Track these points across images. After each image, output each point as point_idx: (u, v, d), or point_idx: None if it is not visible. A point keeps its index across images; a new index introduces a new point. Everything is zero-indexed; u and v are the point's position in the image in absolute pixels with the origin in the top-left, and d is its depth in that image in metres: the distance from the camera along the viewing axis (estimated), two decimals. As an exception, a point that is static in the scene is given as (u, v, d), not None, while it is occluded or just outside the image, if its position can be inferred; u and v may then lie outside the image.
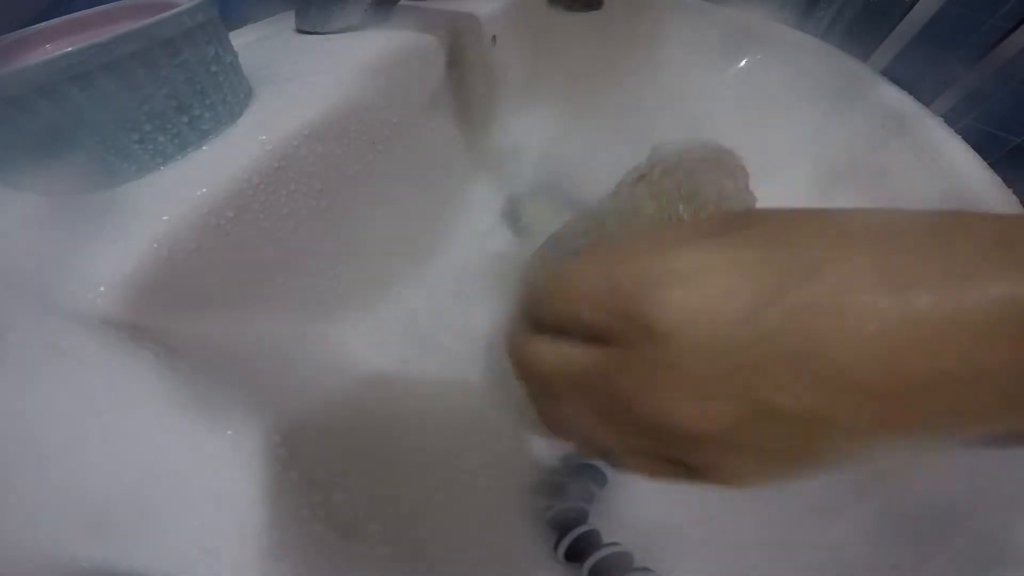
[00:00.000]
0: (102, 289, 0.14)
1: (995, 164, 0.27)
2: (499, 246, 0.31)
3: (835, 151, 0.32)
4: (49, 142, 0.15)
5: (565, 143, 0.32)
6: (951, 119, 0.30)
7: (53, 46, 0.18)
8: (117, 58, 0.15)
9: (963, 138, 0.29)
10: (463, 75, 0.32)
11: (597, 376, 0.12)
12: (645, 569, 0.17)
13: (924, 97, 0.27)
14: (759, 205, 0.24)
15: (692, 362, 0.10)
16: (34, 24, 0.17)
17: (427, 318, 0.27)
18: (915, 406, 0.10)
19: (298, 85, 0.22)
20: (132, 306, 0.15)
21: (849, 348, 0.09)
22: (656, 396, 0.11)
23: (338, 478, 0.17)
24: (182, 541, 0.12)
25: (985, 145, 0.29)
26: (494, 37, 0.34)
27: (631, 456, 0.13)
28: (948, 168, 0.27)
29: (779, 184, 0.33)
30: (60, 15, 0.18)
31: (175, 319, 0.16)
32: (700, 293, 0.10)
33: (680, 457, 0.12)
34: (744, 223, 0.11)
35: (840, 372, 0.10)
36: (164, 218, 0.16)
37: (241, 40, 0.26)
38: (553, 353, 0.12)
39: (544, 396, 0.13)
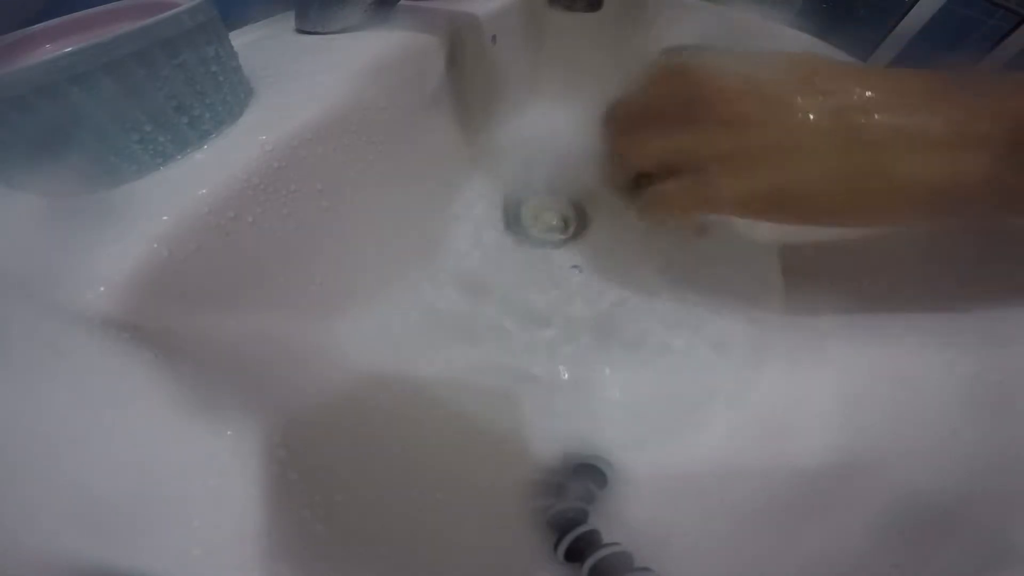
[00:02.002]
0: (102, 289, 0.14)
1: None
2: (499, 245, 0.31)
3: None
4: (49, 142, 0.15)
5: (565, 143, 0.32)
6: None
7: (53, 46, 0.18)
8: (117, 58, 0.15)
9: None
10: (463, 75, 0.32)
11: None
12: (645, 569, 0.17)
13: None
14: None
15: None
16: (34, 24, 0.17)
17: (427, 318, 0.27)
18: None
19: (298, 85, 0.22)
20: (132, 306, 0.15)
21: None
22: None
23: (338, 478, 0.17)
24: (182, 541, 0.12)
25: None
26: (494, 37, 0.34)
27: (669, 175, 0.20)
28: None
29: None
30: (60, 15, 0.18)
31: (175, 319, 0.16)
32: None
33: (713, 150, 0.19)
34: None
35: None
36: (164, 218, 0.16)
37: (241, 40, 0.26)
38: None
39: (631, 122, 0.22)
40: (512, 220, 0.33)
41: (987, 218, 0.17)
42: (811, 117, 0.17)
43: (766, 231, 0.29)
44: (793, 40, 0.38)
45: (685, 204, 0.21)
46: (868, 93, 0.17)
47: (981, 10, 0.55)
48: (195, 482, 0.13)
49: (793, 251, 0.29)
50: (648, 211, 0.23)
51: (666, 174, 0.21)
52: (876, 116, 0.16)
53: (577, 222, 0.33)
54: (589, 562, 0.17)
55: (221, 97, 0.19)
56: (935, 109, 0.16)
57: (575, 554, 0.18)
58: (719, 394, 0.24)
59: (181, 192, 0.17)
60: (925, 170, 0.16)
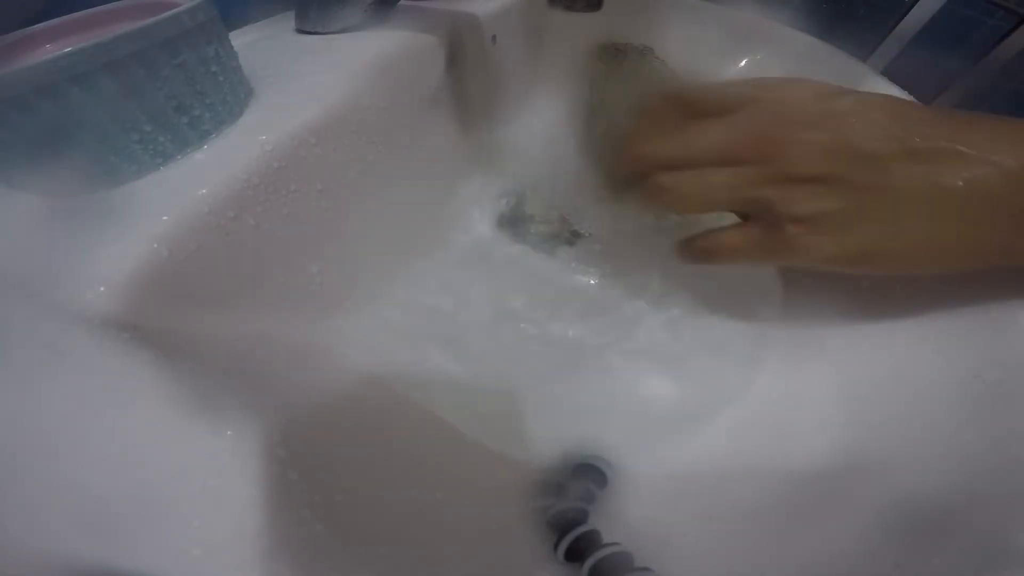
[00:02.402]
0: (102, 289, 0.14)
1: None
2: (499, 245, 0.31)
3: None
4: (49, 142, 0.15)
5: (565, 142, 0.32)
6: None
7: (53, 46, 0.18)
8: (117, 58, 0.15)
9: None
10: (463, 75, 0.32)
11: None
12: (645, 569, 0.17)
13: (924, 97, 0.27)
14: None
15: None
16: (34, 24, 0.17)
17: (428, 317, 0.27)
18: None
19: (298, 85, 0.22)
20: (132, 306, 0.15)
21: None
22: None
23: (338, 478, 0.17)
24: (182, 541, 0.12)
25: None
26: (494, 37, 0.34)
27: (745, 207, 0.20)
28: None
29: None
30: (60, 15, 0.18)
31: (175, 319, 0.16)
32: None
33: (786, 206, 0.18)
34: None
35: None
36: (164, 218, 0.16)
37: (241, 40, 0.26)
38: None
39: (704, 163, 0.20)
40: (512, 219, 0.33)
41: None
42: (906, 183, 0.17)
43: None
44: (793, 40, 0.38)
45: (750, 256, 0.20)
46: (962, 152, 0.16)
47: (981, 10, 0.55)
48: (195, 482, 0.13)
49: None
50: (697, 255, 0.22)
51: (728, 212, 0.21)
52: (969, 184, 0.16)
53: (577, 221, 0.33)
54: (589, 562, 0.17)
55: (221, 97, 0.19)
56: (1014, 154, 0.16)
57: (575, 554, 0.18)
58: (719, 394, 0.24)
59: (181, 192, 0.17)
60: (1007, 237, 0.16)
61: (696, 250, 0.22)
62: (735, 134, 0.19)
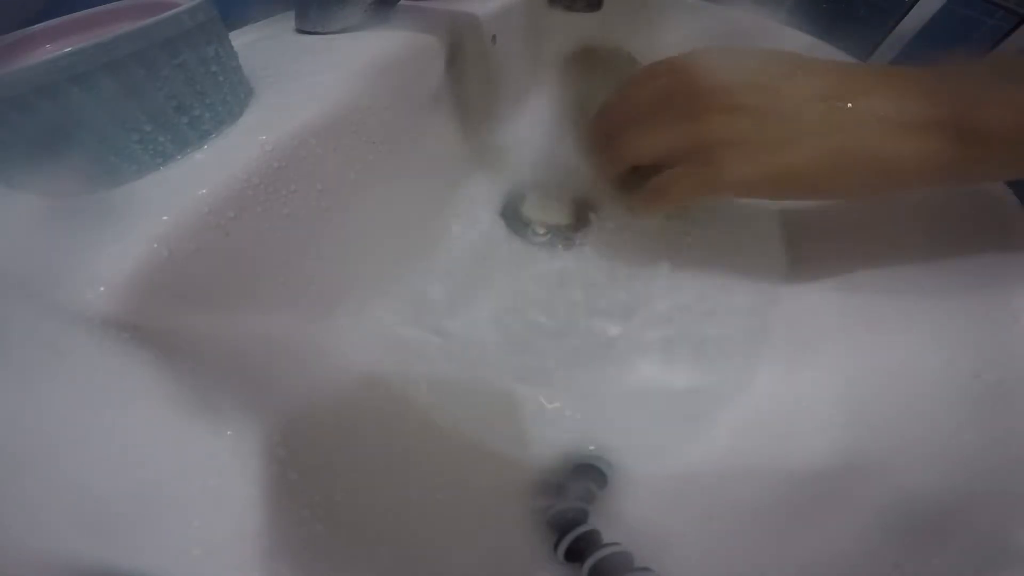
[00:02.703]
0: (102, 289, 0.14)
1: (995, 164, 0.27)
2: (499, 244, 0.31)
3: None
4: (49, 142, 0.15)
5: (565, 142, 0.32)
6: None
7: (53, 46, 0.18)
8: (117, 58, 0.15)
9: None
10: (463, 75, 0.32)
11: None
12: (645, 569, 0.17)
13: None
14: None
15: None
16: (34, 24, 0.17)
17: (428, 317, 0.27)
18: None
19: (298, 85, 0.22)
20: (132, 306, 0.15)
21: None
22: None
23: (338, 478, 0.17)
24: (182, 541, 0.12)
25: (985, 145, 0.28)
26: (494, 37, 0.34)
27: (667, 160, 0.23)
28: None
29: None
30: (60, 15, 0.18)
31: (175, 319, 0.16)
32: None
33: (707, 135, 0.21)
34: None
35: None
36: (164, 218, 0.16)
37: (241, 40, 0.26)
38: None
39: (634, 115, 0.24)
40: (512, 219, 0.33)
41: (941, 187, 0.21)
42: (803, 105, 0.20)
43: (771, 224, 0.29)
44: (793, 40, 0.38)
45: (691, 190, 0.23)
46: (846, 82, 0.20)
47: (981, 10, 0.55)
48: (195, 482, 0.13)
49: (794, 251, 0.29)
50: (652, 200, 0.25)
51: (665, 164, 0.23)
52: (854, 102, 0.19)
53: (578, 220, 0.33)
54: (589, 562, 0.17)
55: (221, 97, 0.19)
56: (898, 97, 0.19)
57: (575, 554, 0.18)
58: (719, 394, 0.24)
59: (181, 192, 0.17)
60: (895, 150, 0.19)
61: (647, 198, 0.25)
62: (665, 84, 0.23)
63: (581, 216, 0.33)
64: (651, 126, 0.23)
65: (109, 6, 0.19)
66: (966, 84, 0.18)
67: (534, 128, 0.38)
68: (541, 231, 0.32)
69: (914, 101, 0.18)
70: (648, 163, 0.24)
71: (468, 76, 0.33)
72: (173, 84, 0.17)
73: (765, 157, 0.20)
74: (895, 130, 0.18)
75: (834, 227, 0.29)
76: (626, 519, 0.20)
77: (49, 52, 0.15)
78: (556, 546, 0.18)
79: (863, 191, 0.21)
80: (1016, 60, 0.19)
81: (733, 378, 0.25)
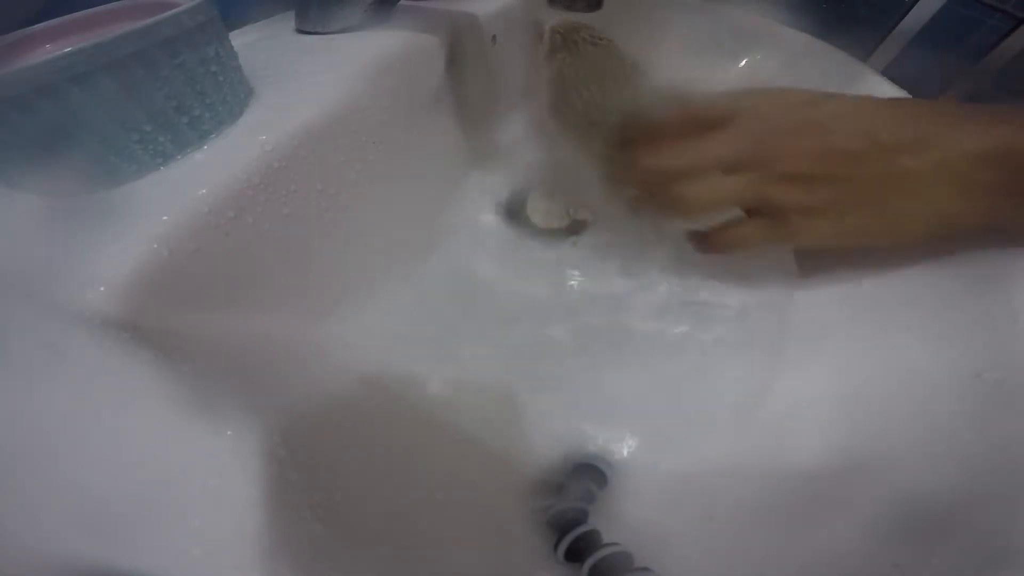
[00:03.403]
0: (102, 289, 0.14)
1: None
2: (499, 243, 0.31)
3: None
4: (49, 142, 0.15)
5: (565, 145, 0.32)
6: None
7: (53, 46, 0.18)
8: (117, 58, 0.15)
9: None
10: (463, 75, 0.32)
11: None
12: (645, 569, 0.17)
13: (924, 97, 0.27)
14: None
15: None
16: (34, 24, 0.17)
17: (428, 316, 0.27)
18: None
19: (298, 85, 0.22)
20: (132, 306, 0.15)
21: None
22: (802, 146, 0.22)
23: (338, 478, 0.17)
24: (182, 541, 0.12)
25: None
26: (494, 37, 0.34)
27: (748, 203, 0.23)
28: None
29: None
30: (60, 15, 0.18)
31: (175, 319, 0.16)
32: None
33: (786, 199, 0.22)
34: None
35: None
36: (164, 218, 0.16)
37: (241, 40, 0.26)
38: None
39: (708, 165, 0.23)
40: (513, 218, 0.33)
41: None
42: (879, 171, 0.21)
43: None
44: (793, 40, 0.38)
45: (760, 243, 0.24)
46: (916, 134, 0.20)
47: (981, 11, 0.55)
48: (195, 482, 0.13)
49: (795, 253, 0.29)
50: (716, 246, 0.26)
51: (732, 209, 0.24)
52: (921, 160, 0.20)
53: (578, 220, 0.33)
54: (589, 562, 0.17)
55: (221, 97, 0.19)
56: (963, 151, 0.20)
57: (575, 554, 0.18)
58: (719, 394, 0.24)
59: (181, 192, 0.17)
60: (959, 208, 0.20)
61: (716, 243, 0.26)
62: (736, 143, 0.23)
63: (581, 216, 0.33)
64: (720, 181, 0.23)
65: (109, 6, 0.19)
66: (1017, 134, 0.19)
67: (534, 127, 0.38)
68: (541, 231, 0.32)
69: (976, 158, 0.19)
70: (707, 214, 0.25)
71: (468, 76, 0.33)
72: (173, 84, 0.17)
73: (839, 223, 0.22)
74: (959, 188, 0.20)
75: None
76: (626, 519, 0.20)
77: (49, 52, 0.15)
78: (556, 546, 0.18)
79: (923, 239, 0.22)
80: None
81: (733, 378, 0.25)
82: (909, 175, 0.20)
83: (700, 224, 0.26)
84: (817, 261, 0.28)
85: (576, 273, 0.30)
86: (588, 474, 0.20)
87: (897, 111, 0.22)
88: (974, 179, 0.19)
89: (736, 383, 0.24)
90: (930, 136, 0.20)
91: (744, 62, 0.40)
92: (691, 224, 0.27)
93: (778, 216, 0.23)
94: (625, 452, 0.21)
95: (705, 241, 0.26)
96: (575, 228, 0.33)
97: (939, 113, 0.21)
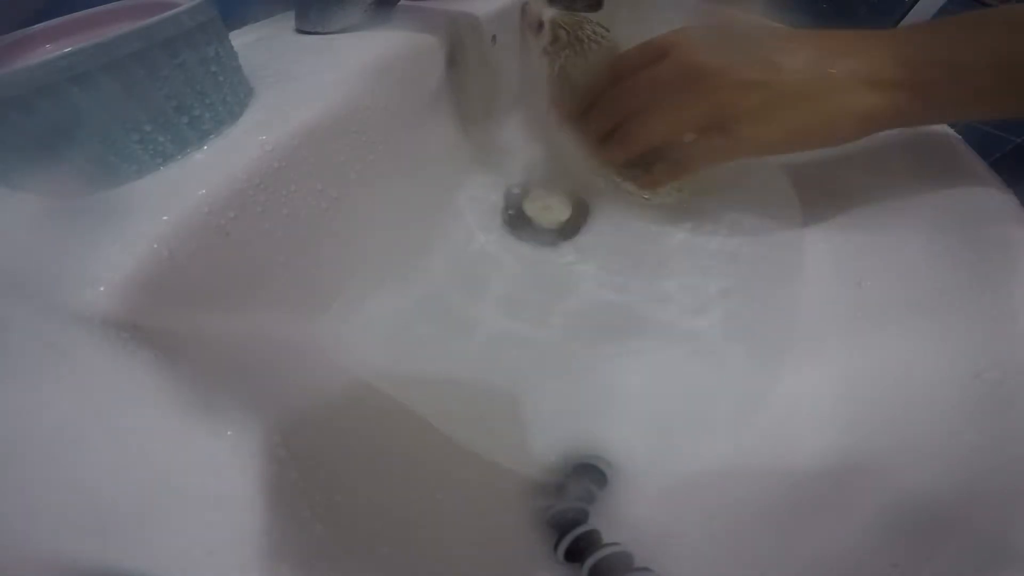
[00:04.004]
0: (102, 289, 0.14)
1: (995, 164, 0.27)
2: (500, 243, 0.31)
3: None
4: (49, 142, 0.15)
5: (564, 141, 0.32)
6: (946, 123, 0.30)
7: (53, 46, 0.18)
8: (117, 58, 0.15)
9: (963, 138, 0.29)
10: (463, 75, 0.32)
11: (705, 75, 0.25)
12: (645, 569, 0.17)
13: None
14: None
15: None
16: (34, 24, 0.17)
17: (428, 316, 0.27)
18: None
19: (298, 85, 0.22)
20: (132, 306, 0.15)
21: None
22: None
23: (338, 478, 0.17)
24: (182, 542, 0.12)
25: (985, 145, 0.29)
26: (494, 37, 0.34)
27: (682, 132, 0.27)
28: (948, 168, 0.27)
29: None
30: (60, 15, 0.18)
31: (176, 319, 0.16)
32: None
33: (723, 107, 0.25)
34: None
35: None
36: (164, 218, 0.16)
37: (241, 40, 0.26)
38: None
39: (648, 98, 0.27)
40: (513, 217, 0.33)
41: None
42: (798, 74, 0.24)
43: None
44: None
45: (711, 158, 0.27)
46: (828, 50, 0.25)
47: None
48: (195, 482, 0.13)
49: (795, 250, 0.29)
50: (672, 173, 0.28)
51: (678, 140, 0.27)
52: (837, 67, 0.24)
53: (578, 217, 0.33)
54: (589, 562, 0.17)
55: (221, 97, 0.19)
56: (869, 60, 0.24)
57: (575, 554, 0.18)
58: (719, 394, 0.24)
59: (181, 192, 0.17)
60: (871, 104, 0.23)
61: (666, 169, 0.28)
62: (686, 62, 0.26)
63: (581, 213, 0.33)
64: (662, 109, 0.26)
65: (109, 6, 0.19)
66: (917, 46, 0.23)
67: (534, 127, 0.38)
68: (542, 229, 0.32)
69: (880, 63, 0.23)
70: (661, 143, 0.27)
71: (468, 76, 0.33)
72: (173, 84, 0.17)
73: (776, 122, 0.25)
74: (870, 88, 0.23)
75: (834, 228, 0.29)
76: (626, 519, 0.20)
77: (49, 52, 0.15)
78: (556, 546, 0.18)
79: (849, 137, 0.25)
80: (960, 20, 0.24)
81: (733, 378, 0.25)
82: (823, 76, 0.24)
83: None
84: (818, 262, 0.28)
85: (576, 271, 0.30)
86: (588, 474, 0.20)
87: (804, 31, 0.26)
88: (879, 79, 0.23)
89: (736, 383, 0.24)
90: (840, 46, 0.25)
91: (744, 62, 0.40)
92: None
93: (719, 128, 0.25)
94: (625, 452, 0.21)
95: (658, 171, 0.29)
96: (574, 226, 0.33)
97: (845, 32, 0.25)
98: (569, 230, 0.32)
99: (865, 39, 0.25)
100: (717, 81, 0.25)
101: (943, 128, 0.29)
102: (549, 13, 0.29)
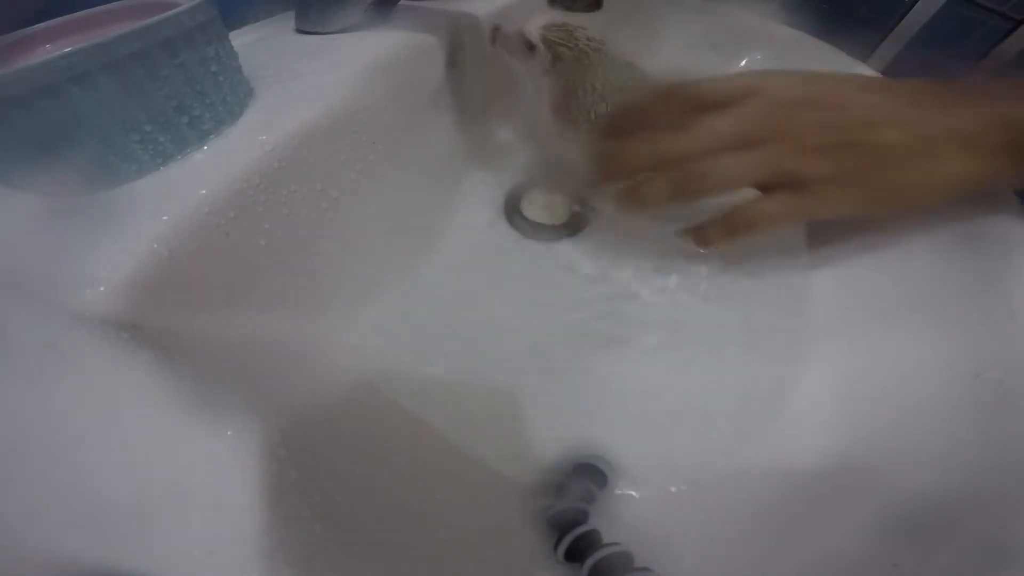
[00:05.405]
0: (102, 289, 0.14)
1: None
2: (500, 242, 0.31)
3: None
4: (49, 142, 0.15)
5: (565, 141, 0.32)
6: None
7: (53, 46, 0.18)
8: (117, 58, 0.15)
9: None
10: (463, 75, 0.32)
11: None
12: (645, 569, 0.17)
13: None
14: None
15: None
16: (34, 24, 0.17)
17: (428, 316, 0.27)
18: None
19: (298, 85, 0.22)
20: (132, 306, 0.15)
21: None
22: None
23: (338, 478, 0.17)
24: (183, 542, 0.12)
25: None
26: (494, 37, 0.34)
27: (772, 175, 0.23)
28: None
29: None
30: (60, 15, 0.18)
31: (175, 319, 0.16)
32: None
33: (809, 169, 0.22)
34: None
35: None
36: (164, 218, 0.16)
37: (241, 40, 0.26)
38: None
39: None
40: (513, 216, 0.33)
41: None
42: (889, 136, 0.22)
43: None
44: (793, 40, 0.38)
45: (783, 218, 0.24)
46: (920, 109, 0.22)
47: (980, 12, 0.55)
48: (195, 482, 0.13)
49: (795, 251, 0.29)
50: (737, 230, 0.25)
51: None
52: (929, 130, 0.22)
53: (579, 217, 0.33)
54: (589, 562, 0.17)
55: (221, 97, 0.19)
56: (964, 121, 0.21)
57: (575, 554, 0.18)
58: (720, 393, 0.24)
59: (181, 192, 0.17)
60: (965, 168, 0.22)
61: (737, 224, 0.25)
62: (750, 119, 0.23)
63: (582, 213, 0.33)
64: (737, 156, 0.23)
65: (109, 6, 0.19)
66: (1016, 106, 0.21)
67: (534, 127, 0.38)
68: (542, 228, 0.32)
69: (980, 126, 0.21)
70: (715, 194, 0.24)
71: (468, 76, 0.33)
72: (173, 84, 0.17)
73: (861, 186, 0.23)
74: (968, 152, 0.21)
75: (834, 228, 0.29)
76: (626, 519, 0.20)
77: (49, 52, 0.15)
78: (556, 546, 0.18)
79: (937, 203, 0.23)
80: None
81: (733, 378, 0.25)
82: (919, 140, 0.22)
83: (699, 216, 0.26)
84: (818, 263, 0.28)
85: (576, 271, 0.30)
86: (588, 474, 0.20)
87: (900, 83, 0.24)
88: (979, 142, 0.21)
89: (737, 383, 0.24)
90: (938, 104, 0.22)
91: (744, 62, 0.40)
92: (689, 215, 0.26)
93: (798, 188, 0.23)
94: (625, 452, 0.21)
95: (716, 229, 0.25)
96: (574, 226, 0.33)
97: (943, 86, 0.23)
98: (570, 230, 0.32)
99: (963, 96, 0.22)
100: (797, 141, 0.22)
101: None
102: (535, 31, 0.28)
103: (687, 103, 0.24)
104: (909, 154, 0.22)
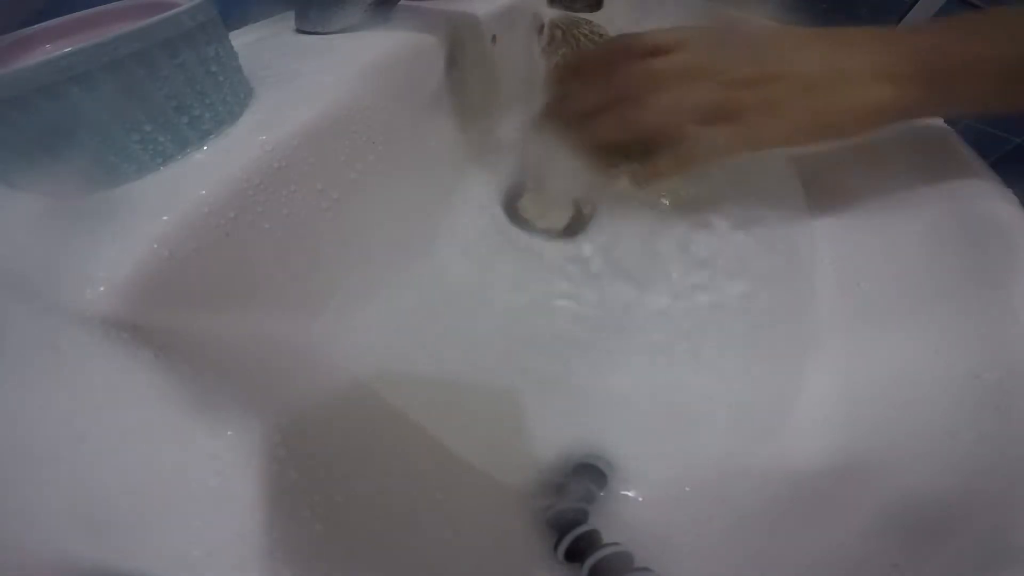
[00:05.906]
0: (102, 289, 0.14)
1: (995, 164, 0.27)
2: (499, 242, 0.31)
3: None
4: (49, 142, 0.15)
5: (560, 142, 0.32)
6: (951, 119, 0.30)
7: (53, 46, 0.18)
8: (117, 58, 0.15)
9: (963, 138, 0.29)
10: (463, 75, 0.32)
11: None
12: (645, 569, 0.17)
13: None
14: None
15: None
16: (34, 24, 0.17)
17: (428, 316, 0.27)
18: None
19: (298, 85, 0.22)
20: (132, 306, 0.15)
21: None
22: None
23: (338, 478, 0.17)
24: (182, 541, 0.12)
25: (985, 145, 0.29)
26: (494, 37, 0.35)
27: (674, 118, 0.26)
28: (948, 168, 0.27)
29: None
30: (60, 15, 0.18)
31: (175, 319, 0.16)
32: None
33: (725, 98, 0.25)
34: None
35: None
36: (164, 218, 0.16)
37: (241, 40, 0.26)
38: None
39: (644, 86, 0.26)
40: (513, 216, 0.33)
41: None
42: (811, 69, 0.25)
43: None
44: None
45: (727, 148, 0.26)
46: (838, 47, 0.25)
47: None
48: (195, 482, 0.13)
49: (795, 251, 0.29)
50: (683, 163, 0.27)
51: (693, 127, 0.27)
52: (847, 64, 0.25)
53: (579, 217, 0.33)
54: (589, 562, 0.17)
55: (221, 97, 0.19)
56: (878, 55, 0.24)
57: (575, 554, 0.18)
58: (719, 393, 0.24)
59: (181, 192, 0.17)
60: (879, 96, 0.24)
61: (677, 157, 0.27)
62: (683, 61, 0.26)
63: (582, 212, 0.33)
64: (666, 94, 0.26)
65: (109, 6, 0.19)
66: (927, 41, 0.24)
67: (532, 125, 0.38)
68: (541, 229, 0.32)
69: (891, 57, 0.24)
70: (659, 130, 0.27)
71: (468, 76, 0.33)
72: (173, 84, 0.17)
73: (786, 115, 0.25)
74: (880, 81, 0.24)
75: (834, 229, 0.29)
76: (626, 519, 0.20)
77: (49, 52, 0.15)
78: (556, 546, 0.18)
79: (859, 130, 0.25)
80: (968, 18, 0.25)
81: (733, 378, 0.25)
82: (836, 70, 0.25)
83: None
84: (817, 262, 0.28)
85: (576, 271, 0.30)
86: (588, 474, 0.20)
87: (818, 29, 0.27)
88: (894, 71, 0.24)
89: (737, 383, 0.24)
90: (853, 40, 0.25)
91: (744, 62, 0.40)
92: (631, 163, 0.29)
93: (733, 120, 0.25)
94: (625, 452, 0.21)
95: (664, 160, 0.27)
96: (574, 226, 0.33)
97: (857, 28, 0.26)
98: (570, 230, 0.32)
99: (876, 35, 0.25)
100: (728, 75, 0.25)
101: (944, 128, 0.29)
102: (549, 15, 0.29)
103: (628, 52, 0.27)
104: (828, 83, 0.24)
